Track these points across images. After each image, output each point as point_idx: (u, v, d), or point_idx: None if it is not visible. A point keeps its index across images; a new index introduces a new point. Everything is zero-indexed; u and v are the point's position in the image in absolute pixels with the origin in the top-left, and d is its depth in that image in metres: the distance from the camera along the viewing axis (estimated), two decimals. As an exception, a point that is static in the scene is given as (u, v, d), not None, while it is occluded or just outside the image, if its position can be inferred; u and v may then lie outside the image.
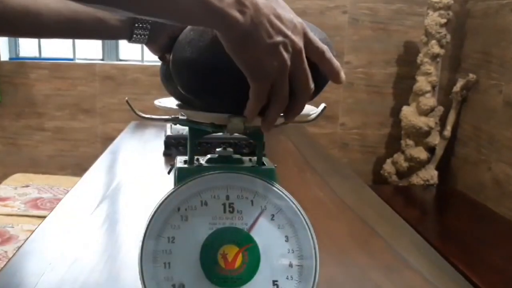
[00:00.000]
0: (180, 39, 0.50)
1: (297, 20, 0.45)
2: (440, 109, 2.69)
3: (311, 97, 0.48)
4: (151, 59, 2.82)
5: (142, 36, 0.77)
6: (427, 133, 2.66)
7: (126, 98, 0.53)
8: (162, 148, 1.32)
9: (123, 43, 2.90)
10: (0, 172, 2.71)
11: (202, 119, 0.51)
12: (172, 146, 1.31)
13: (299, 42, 0.44)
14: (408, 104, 2.72)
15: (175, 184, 0.51)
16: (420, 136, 2.67)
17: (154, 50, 0.78)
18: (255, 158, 0.55)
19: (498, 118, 2.40)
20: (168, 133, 1.32)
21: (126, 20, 0.72)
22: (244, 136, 0.57)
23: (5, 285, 0.62)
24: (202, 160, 0.54)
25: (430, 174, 2.70)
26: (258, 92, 0.45)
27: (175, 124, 1.01)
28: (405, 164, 2.72)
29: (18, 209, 1.86)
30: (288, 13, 0.44)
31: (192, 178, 0.50)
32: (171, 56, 0.51)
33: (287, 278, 0.50)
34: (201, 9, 0.40)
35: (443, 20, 2.53)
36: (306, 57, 0.45)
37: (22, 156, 2.86)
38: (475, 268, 1.67)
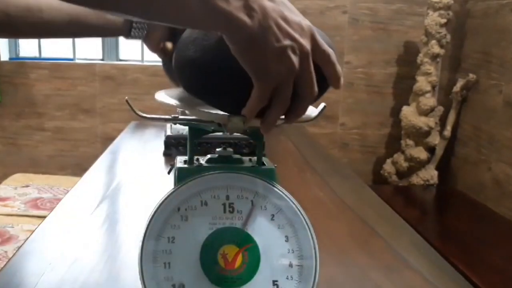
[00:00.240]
0: (184, 37, 0.50)
1: (305, 23, 0.45)
2: (440, 109, 2.69)
3: (313, 100, 0.48)
4: (151, 59, 2.82)
5: (140, 31, 0.77)
6: (427, 133, 2.66)
7: (126, 97, 0.53)
8: (162, 148, 1.32)
9: (123, 43, 2.90)
10: (0, 172, 2.71)
11: (202, 117, 0.51)
12: (172, 146, 1.31)
13: (307, 45, 0.44)
14: (408, 104, 2.72)
15: (175, 184, 0.51)
16: (420, 136, 2.67)
17: (151, 46, 0.78)
18: (255, 158, 0.55)
19: (498, 118, 2.40)
20: (168, 133, 1.32)
21: None
22: (244, 136, 0.57)
23: (5, 285, 0.62)
24: (202, 160, 0.54)
25: (430, 174, 2.70)
26: (262, 93, 0.45)
27: (175, 124, 1.00)
28: (405, 164, 2.72)
29: (18, 209, 1.86)
30: (296, 16, 0.44)
31: (192, 178, 0.50)
32: (174, 54, 0.51)
33: (287, 278, 0.50)
34: (209, 13, 0.40)
35: (443, 20, 2.53)
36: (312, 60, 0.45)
37: (22, 156, 2.86)
38: (475, 268, 1.67)
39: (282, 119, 0.48)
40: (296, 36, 0.43)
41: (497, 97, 2.41)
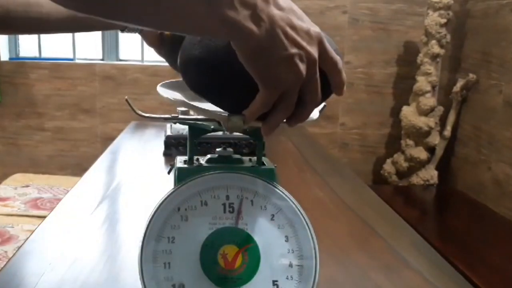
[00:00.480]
0: (190, 37, 0.50)
1: (314, 29, 0.45)
2: (440, 109, 2.69)
3: (317, 106, 0.48)
4: (151, 59, 2.82)
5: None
6: (427, 133, 2.66)
7: (126, 97, 0.53)
8: (162, 148, 1.32)
9: (123, 43, 2.90)
10: (0, 172, 2.71)
11: (202, 115, 0.51)
12: (172, 146, 1.31)
13: (314, 53, 0.44)
14: (408, 104, 2.72)
15: (175, 184, 0.51)
16: (420, 136, 2.67)
17: (148, 39, 0.78)
18: (255, 158, 0.55)
19: (498, 118, 2.40)
20: (168, 133, 1.32)
21: None
22: (244, 136, 0.57)
23: (5, 285, 0.62)
24: (202, 160, 0.54)
25: (430, 174, 2.70)
26: (267, 100, 0.45)
27: (175, 123, 1.01)
28: (405, 164, 2.72)
29: (18, 209, 1.86)
30: (304, 23, 0.44)
31: (192, 178, 0.50)
32: (179, 53, 0.51)
33: (287, 278, 0.50)
34: (218, 21, 0.40)
35: (443, 20, 2.53)
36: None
37: (22, 156, 2.86)
38: (475, 268, 1.67)
39: (284, 122, 0.48)
40: (304, 44, 0.43)
41: (497, 97, 2.41)
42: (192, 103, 0.52)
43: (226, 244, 0.49)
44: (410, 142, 2.71)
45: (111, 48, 2.87)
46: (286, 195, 0.51)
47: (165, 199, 0.49)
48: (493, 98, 2.44)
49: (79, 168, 2.70)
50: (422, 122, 2.62)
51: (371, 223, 0.90)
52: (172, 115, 0.53)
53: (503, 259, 1.79)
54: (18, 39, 2.89)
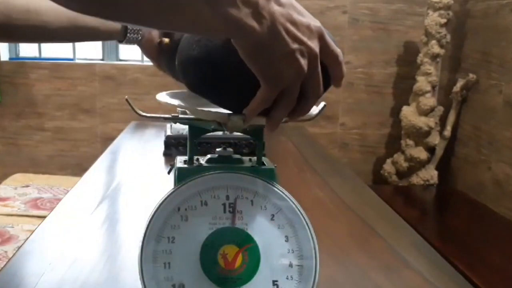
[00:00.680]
0: (187, 37, 0.50)
1: (314, 24, 0.45)
2: (440, 109, 2.69)
3: (318, 99, 0.48)
4: (151, 59, 2.82)
5: (135, 35, 0.78)
6: (427, 133, 2.66)
7: (126, 97, 0.53)
8: (162, 148, 1.32)
9: (123, 43, 2.90)
10: (0, 172, 2.71)
11: (202, 116, 0.51)
12: (172, 146, 1.31)
13: (315, 47, 0.44)
14: (408, 104, 2.72)
15: (175, 184, 0.51)
16: (420, 136, 2.67)
17: (147, 50, 0.79)
18: (255, 158, 0.55)
19: (498, 118, 2.40)
20: (168, 133, 1.32)
21: None
22: (244, 136, 0.57)
23: (5, 285, 0.62)
24: (202, 160, 0.54)
25: (430, 174, 2.70)
26: (268, 96, 0.45)
27: (175, 123, 1.00)
28: (405, 164, 2.72)
29: (18, 209, 1.86)
30: (305, 18, 0.44)
31: (192, 178, 0.50)
32: (177, 54, 0.51)
33: (287, 278, 0.50)
34: (220, 20, 0.40)
35: (443, 20, 2.53)
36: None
37: (22, 156, 2.86)
38: (475, 268, 1.67)
39: (286, 117, 0.48)
40: (305, 39, 0.43)
41: (497, 97, 2.41)
42: (191, 106, 0.52)
43: (226, 244, 0.49)
44: (410, 142, 2.71)
45: (111, 48, 2.87)
46: (286, 195, 0.51)
47: (165, 199, 0.49)
48: (493, 98, 2.44)
49: (79, 168, 2.70)
50: (422, 122, 2.62)
51: (371, 223, 0.90)
52: (172, 115, 0.53)
53: (503, 259, 1.79)
54: (18, 39, 2.89)
